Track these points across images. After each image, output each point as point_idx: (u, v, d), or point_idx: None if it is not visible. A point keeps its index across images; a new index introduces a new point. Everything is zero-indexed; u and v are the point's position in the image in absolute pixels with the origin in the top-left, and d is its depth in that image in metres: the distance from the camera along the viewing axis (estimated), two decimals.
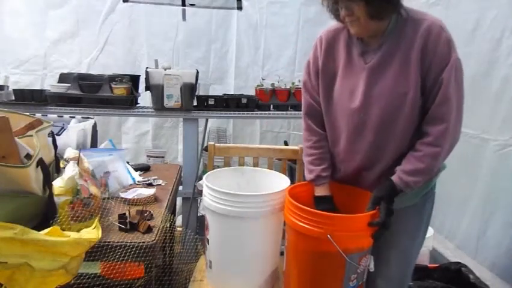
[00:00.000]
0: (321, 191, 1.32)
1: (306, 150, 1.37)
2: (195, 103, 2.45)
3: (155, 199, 1.58)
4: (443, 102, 1.11)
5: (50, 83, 2.75)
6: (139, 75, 2.58)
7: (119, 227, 1.29)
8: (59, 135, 1.95)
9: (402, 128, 1.17)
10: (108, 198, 1.53)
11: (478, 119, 1.85)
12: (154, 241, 1.23)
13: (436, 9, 2.17)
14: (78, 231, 1.14)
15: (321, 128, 1.35)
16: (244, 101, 2.47)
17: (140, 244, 1.21)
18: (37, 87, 2.82)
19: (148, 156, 2.83)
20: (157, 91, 2.34)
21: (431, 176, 1.21)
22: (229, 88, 3.05)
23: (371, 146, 1.21)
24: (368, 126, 1.19)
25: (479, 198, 1.84)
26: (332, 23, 1.26)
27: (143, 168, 2.03)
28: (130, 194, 1.57)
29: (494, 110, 1.76)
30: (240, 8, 2.99)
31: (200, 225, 2.41)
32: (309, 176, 1.34)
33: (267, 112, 2.51)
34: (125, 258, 1.18)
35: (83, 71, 2.87)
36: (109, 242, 1.20)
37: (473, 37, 1.89)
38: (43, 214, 1.16)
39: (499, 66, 1.74)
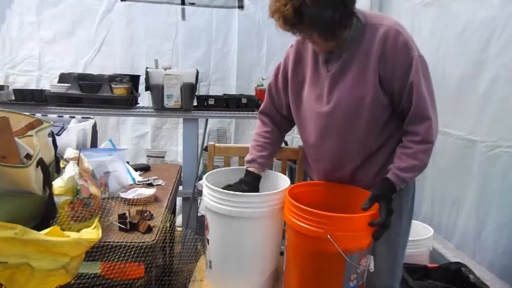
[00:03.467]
0: (249, 171, 1.42)
1: (253, 136, 1.50)
2: (195, 103, 2.45)
3: (155, 199, 1.58)
4: (420, 102, 1.16)
5: (44, 85, 2.75)
6: (139, 75, 2.58)
7: (119, 227, 1.29)
8: (59, 135, 1.95)
9: (364, 129, 1.23)
10: (108, 198, 1.53)
11: (465, 120, 1.85)
12: (154, 241, 1.23)
13: (430, 10, 2.17)
14: (78, 231, 1.14)
15: (274, 124, 1.48)
16: (244, 101, 2.47)
17: (140, 244, 1.21)
18: (32, 88, 2.76)
19: (148, 156, 2.83)
20: (157, 91, 2.34)
21: (423, 170, 1.25)
22: (231, 89, 3.01)
23: (336, 147, 1.29)
24: (332, 128, 1.27)
25: (473, 199, 1.85)
26: None
27: (143, 168, 2.03)
28: (130, 194, 1.57)
29: (482, 111, 1.76)
30: (241, 6, 2.95)
31: (200, 225, 2.41)
32: (246, 158, 1.46)
33: None
34: (125, 258, 1.18)
35: (79, 72, 2.80)
36: (109, 242, 1.20)
37: (462, 38, 1.89)
38: (43, 214, 1.15)
39: (488, 67, 1.74)
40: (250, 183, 1.40)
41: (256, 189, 1.40)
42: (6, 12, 2.82)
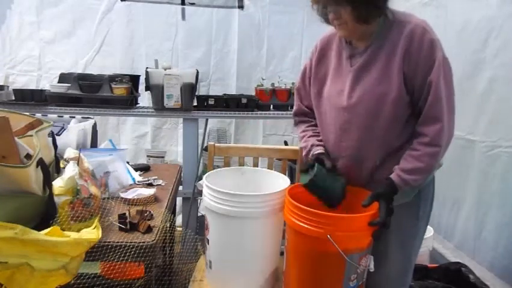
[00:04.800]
0: (316, 152, 1.34)
1: (300, 134, 1.45)
2: (195, 103, 2.45)
3: (155, 199, 1.58)
4: (435, 103, 1.14)
5: (44, 85, 2.75)
6: (139, 75, 2.58)
7: (119, 227, 1.29)
8: (59, 135, 1.95)
9: (386, 127, 1.21)
10: (108, 198, 1.53)
11: (464, 120, 1.85)
12: (154, 241, 1.23)
13: (428, 10, 2.17)
14: (78, 231, 1.14)
15: (312, 119, 1.44)
16: (244, 101, 2.47)
17: (140, 244, 1.21)
18: (32, 88, 2.76)
19: (148, 156, 2.83)
20: (157, 91, 2.34)
21: (430, 174, 1.24)
22: (231, 89, 3.00)
23: (356, 144, 1.26)
24: (353, 124, 1.24)
25: (472, 199, 1.85)
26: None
27: (143, 168, 2.03)
28: (130, 194, 1.57)
29: (481, 111, 1.76)
30: (241, 6, 2.95)
31: (200, 225, 2.41)
32: (305, 148, 1.38)
33: (267, 112, 2.51)
34: (125, 258, 1.18)
35: (79, 72, 2.80)
36: (109, 242, 1.20)
37: (460, 38, 1.89)
38: (43, 214, 1.15)
39: (486, 67, 1.74)
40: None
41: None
42: (6, 12, 2.81)
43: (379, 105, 1.19)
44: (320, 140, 1.37)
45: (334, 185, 1.25)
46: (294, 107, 1.50)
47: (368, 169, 1.27)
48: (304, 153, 1.39)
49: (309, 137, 1.40)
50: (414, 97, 1.18)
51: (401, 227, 1.26)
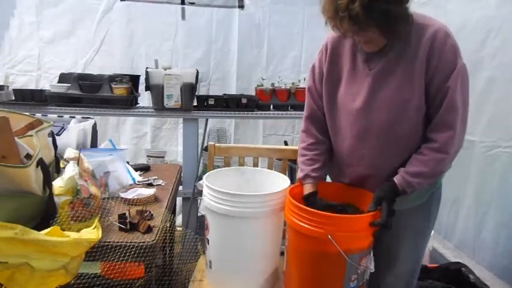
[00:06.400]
0: (307, 189, 1.31)
1: (300, 151, 1.38)
2: (195, 103, 2.45)
3: (155, 199, 1.58)
4: (450, 110, 1.11)
5: (44, 85, 2.74)
6: (139, 75, 2.58)
7: (119, 227, 1.29)
8: (59, 135, 1.95)
9: (406, 134, 1.17)
10: (108, 198, 1.53)
11: None
12: (154, 241, 1.23)
13: (426, 10, 2.15)
14: (78, 231, 1.14)
15: (320, 133, 1.36)
16: (244, 101, 2.46)
17: (140, 244, 1.21)
18: (32, 88, 2.75)
19: (148, 156, 2.83)
20: (157, 91, 2.34)
21: (435, 179, 1.23)
22: (231, 89, 3.00)
23: (374, 152, 1.21)
24: (371, 131, 1.20)
25: (472, 199, 1.85)
26: None
27: (143, 168, 2.03)
28: (130, 194, 1.57)
29: (480, 112, 1.76)
30: (241, 6, 2.94)
31: (200, 225, 2.41)
32: (299, 175, 1.35)
33: (267, 112, 2.51)
34: (125, 258, 1.18)
35: (78, 72, 2.78)
36: (109, 242, 1.20)
37: (458, 38, 1.88)
38: (43, 214, 1.15)
39: (484, 67, 1.73)
40: (313, 194, 1.30)
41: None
42: (9, 18, 2.81)
43: (401, 112, 1.15)
44: (316, 169, 1.31)
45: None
46: (307, 110, 1.39)
47: (383, 177, 1.22)
48: (297, 177, 1.36)
49: (307, 159, 1.34)
50: (428, 102, 1.15)
51: (414, 228, 1.27)
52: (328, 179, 1.50)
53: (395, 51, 1.15)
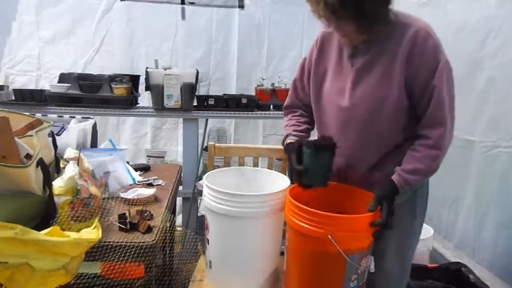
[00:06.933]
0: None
1: (285, 123, 1.44)
2: (195, 103, 2.45)
3: (155, 199, 1.58)
4: (439, 108, 1.15)
5: (44, 85, 2.73)
6: (139, 75, 2.58)
7: (119, 227, 1.29)
8: (59, 135, 1.95)
9: (385, 128, 1.21)
10: (108, 198, 1.53)
11: (463, 121, 1.84)
12: (154, 241, 1.23)
13: (425, 10, 2.17)
14: (78, 231, 1.14)
15: (303, 111, 1.44)
16: (244, 101, 2.47)
17: (140, 244, 1.21)
18: (32, 88, 2.74)
19: (148, 156, 2.83)
20: (157, 91, 2.34)
21: (430, 175, 1.24)
22: (231, 89, 3.00)
23: (355, 144, 1.26)
24: (352, 124, 1.25)
25: (471, 199, 1.85)
26: None
27: (143, 168, 2.03)
28: (130, 194, 1.57)
29: (479, 112, 1.76)
30: (241, 6, 2.93)
31: (200, 225, 2.41)
32: (283, 138, 1.38)
33: (267, 112, 2.51)
34: (125, 258, 1.18)
35: (78, 72, 2.77)
36: (109, 242, 1.20)
37: (458, 38, 1.89)
38: (43, 214, 1.15)
39: (484, 67, 1.74)
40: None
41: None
42: (12, 24, 2.81)
43: (379, 107, 1.19)
44: (299, 131, 1.36)
45: (320, 164, 1.19)
46: (287, 100, 1.47)
47: (363, 169, 1.29)
48: (282, 139, 1.40)
49: (289, 126, 1.40)
50: (414, 100, 1.18)
51: (398, 225, 1.27)
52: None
53: (377, 49, 1.19)
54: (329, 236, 1.08)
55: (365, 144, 1.25)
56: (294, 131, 1.37)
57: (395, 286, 1.36)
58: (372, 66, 1.20)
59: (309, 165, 1.19)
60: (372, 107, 1.20)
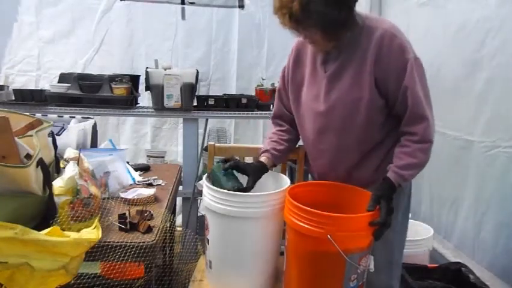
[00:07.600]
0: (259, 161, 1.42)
1: (267, 137, 1.51)
2: (195, 103, 2.45)
3: (155, 199, 1.58)
4: (416, 105, 1.18)
5: (43, 85, 2.73)
6: (139, 75, 2.58)
7: (119, 227, 1.29)
8: (59, 135, 1.95)
9: (362, 129, 1.25)
10: (108, 198, 1.53)
11: (462, 121, 1.86)
12: (154, 241, 1.23)
13: (425, 10, 2.17)
14: (78, 231, 1.14)
15: (289, 125, 1.49)
16: (244, 101, 2.47)
17: (140, 244, 1.21)
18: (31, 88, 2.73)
19: (148, 156, 2.83)
20: (157, 91, 2.34)
21: (423, 168, 1.26)
22: (231, 89, 2.99)
23: (334, 146, 1.31)
24: (329, 128, 1.30)
25: (471, 199, 1.85)
26: None
27: (143, 168, 2.03)
28: (130, 194, 1.57)
29: (479, 112, 1.76)
30: (241, 6, 2.94)
31: (200, 225, 2.41)
32: (260, 152, 1.46)
33: (267, 112, 2.51)
34: (125, 258, 1.18)
35: (78, 72, 2.75)
36: (109, 242, 1.20)
37: (458, 38, 1.89)
38: (43, 214, 1.16)
39: (484, 67, 1.74)
40: (252, 167, 1.39)
41: (255, 175, 1.36)
42: (12, 25, 2.80)
43: (353, 110, 1.23)
44: (276, 150, 1.43)
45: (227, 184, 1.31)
46: (274, 109, 1.53)
47: (345, 169, 1.33)
48: (259, 152, 1.47)
49: (271, 141, 1.46)
50: (389, 100, 1.22)
51: None
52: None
53: (347, 54, 1.23)
54: (329, 236, 1.08)
55: (343, 146, 1.30)
56: (273, 149, 1.43)
57: (384, 278, 1.35)
58: (344, 71, 1.24)
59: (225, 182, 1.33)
60: (346, 110, 1.24)
